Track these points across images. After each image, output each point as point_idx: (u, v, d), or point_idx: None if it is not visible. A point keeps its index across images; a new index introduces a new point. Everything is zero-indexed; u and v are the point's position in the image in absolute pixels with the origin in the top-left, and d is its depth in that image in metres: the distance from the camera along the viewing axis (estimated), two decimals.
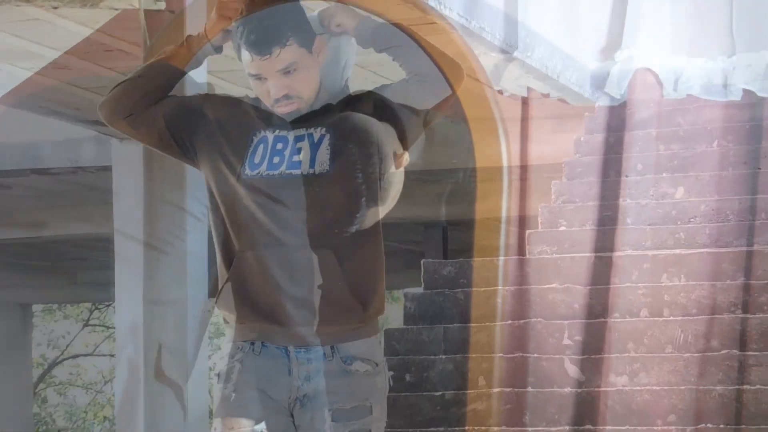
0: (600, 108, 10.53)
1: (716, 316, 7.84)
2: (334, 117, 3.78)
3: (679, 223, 8.81)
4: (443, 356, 8.09)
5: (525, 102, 10.80)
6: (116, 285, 12.18)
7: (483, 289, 8.44)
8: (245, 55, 3.75)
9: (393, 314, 26.36)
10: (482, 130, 9.84)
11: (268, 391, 3.74)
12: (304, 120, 3.78)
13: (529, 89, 10.92)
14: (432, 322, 8.40)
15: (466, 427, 7.54)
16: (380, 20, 3.82)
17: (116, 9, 6.60)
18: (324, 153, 3.73)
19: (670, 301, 8.03)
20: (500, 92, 10.33)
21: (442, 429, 7.57)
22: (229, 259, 3.80)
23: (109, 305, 23.79)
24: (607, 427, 7.38)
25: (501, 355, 7.86)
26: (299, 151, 3.75)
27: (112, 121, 3.91)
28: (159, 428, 7.05)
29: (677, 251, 8.40)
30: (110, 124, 3.94)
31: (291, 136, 3.77)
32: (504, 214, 9.38)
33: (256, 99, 3.85)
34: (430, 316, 8.46)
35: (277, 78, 3.74)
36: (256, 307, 3.74)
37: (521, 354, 7.85)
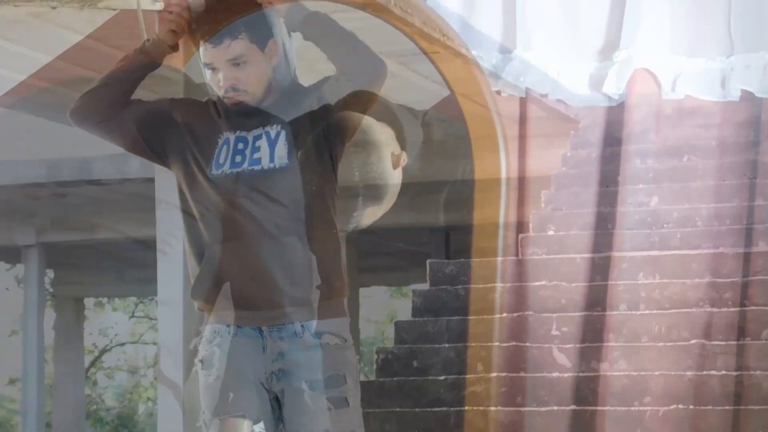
0: (584, 127, 10.49)
1: (686, 310, 7.82)
2: (288, 113, 3.73)
3: (653, 228, 8.79)
4: (446, 345, 8.08)
5: (523, 102, 10.52)
6: (158, 281, 12.16)
7: (481, 286, 8.42)
8: (205, 53, 3.73)
9: (402, 308, 26.32)
10: (483, 147, 9.82)
11: (246, 370, 3.67)
12: (261, 119, 3.73)
13: (527, 89, 10.75)
14: (436, 315, 8.39)
15: (466, 408, 7.52)
16: (312, 9, 3.73)
17: (114, 9, 6.30)
18: (282, 148, 3.68)
19: (645, 297, 8.01)
20: (498, 92, 10.12)
21: (445, 409, 7.56)
22: (199, 252, 3.73)
23: (152, 299, 23.78)
24: (590, 408, 7.37)
25: (497, 344, 7.85)
26: (258, 148, 3.70)
27: (84, 127, 3.83)
28: (196, 408, 7.03)
29: (652, 253, 8.39)
30: (84, 130, 3.86)
31: (250, 136, 3.72)
32: (501, 220, 9.34)
33: (220, 101, 3.79)
34: (434, 309, 8.45)
35: (226, 68, 3.70)
36: (227, 295, 3.68)
37: (515, 343, 7.83)
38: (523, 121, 10.27)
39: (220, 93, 3.74)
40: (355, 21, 7.99)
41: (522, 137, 10.29)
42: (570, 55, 10.99)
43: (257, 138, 3.72)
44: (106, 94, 3.77)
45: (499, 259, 8.67)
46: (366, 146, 3.87)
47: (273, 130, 3.72)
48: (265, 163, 3.69)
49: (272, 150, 3.69)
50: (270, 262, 3.65)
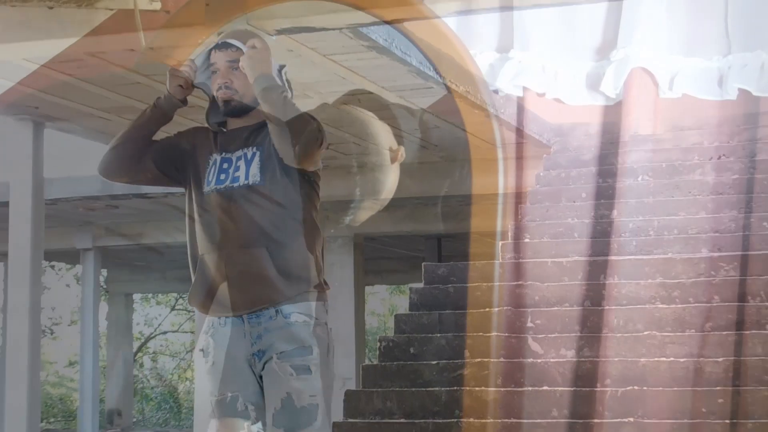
0: (555, 151, 10.44)
1: (640, 306, 7.81)
2: (260, 137, 3.71)
3: (613, 237, 8.79)
4: (438, 334, 8.07)
5: (520, 102, 10.14)
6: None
7: (468, 285, 8.41)
8: (213, 54, 3.76)
9: (401, 303, 26.27)
10: (483, 170, 9.73)
11: (234, 353, 3.66)
12: (243, 141, 3.73)
13: (524, 89, 10.43)
14: (430, 309, 8.38)
15: (455, 388, 7.50)
16: (272, 83, 3.67)
17: (111, 9, 6.01)
18: (255, 167, 3.67)
19: (606, 295, 8.00)
20: (496, 92, 9.79)
21: (437, 389, 7.53)
22: (194, 262, 3.75)
23: None
24: (558, 389, 7.35)
25: (481, 334, 7.83)
26: (239, 168, 3.70)
27: (113, 180, 3.89)
28: None
29: (611, 258, 8.38)
30: (113, 182, 3.91)
31: (234, 157, 3.73)
32: (498, 228, 9.21)
33: (212, 127, 3.81)
34: (428, 304, 8.44)
35: (224, 68, 3.72)
36: (215, 298, 3.67)
37: (496, 334, 7.83)
38: (503, 145, 10.22)
39: (216, 91, 3.75)
40: (365, 62, 8.00)
41: (504, 160, 10.24)
42: (567, 55, 10.59)
43: (239, 159, 3.72)
44: (127, 151, 3.79)
45: (483, 262, 8.66)
46: (365, 138, 3.83)
47: (250, 151, 3.71)
48: (242, 181, 3.68)
49: (248, 169, 3.68)
50: (248, 267, 3.62)
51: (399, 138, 10.36)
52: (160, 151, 3.84)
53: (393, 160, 3.78)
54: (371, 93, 8.70)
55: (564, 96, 10.65)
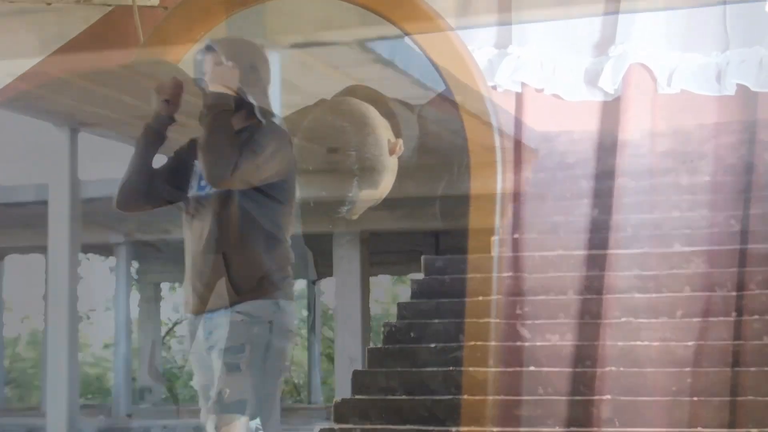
0: (542, 155, 10.35)
1: (618, 295, 7.81)
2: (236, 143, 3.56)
3: (593, 233, 8.79)
4: (436, 320, 8.08)
5: (519, 98, 9.85)
6: None
7: (463, 276, 8.42)
8: (200, 61, 3.61)
9: (403, 292, 26.24)
10: (482, 169, 9.66)
11: (199, 346, 3.60)
12: None
13: (523, 84, 10.17)
14: (429, 297, 8.39)
15: (450, 368, 7.51)
16: (212, 101, 3.49)
17: (109, 5, 5.69)
18: None
19: (588, 285, 8.01)
20: (494, 88, 9.53)
21: (434, 369, 7.55)
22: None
23: None
24: (544, 369, 7.35)
25: (474, 320, 7.84)
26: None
27: (134, 212, 3.80)
28: None
29: (592, 252, 8.38)
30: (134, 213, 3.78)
31: None
32: (497, 225, 9.13)
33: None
34: (427, 293, 8.45)
35: (212, 68, 3.57)
36: (190, 295, 3.60)
37: (488, 320, 7.83)
38: (496, 150, 10.13)
39: (206, 86, 3.59)
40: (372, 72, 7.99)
41: (496, 164, 10.16)
42: (566, 50, 10.35)
43: None
44: (135, 184, 3.66)
45: (477, 255, 8.66)
46: (363, 128, 3.69)
47: None
48: (207, 188, 3.59)
49: None
50: (207, 271, 3.53)
51: (406, 138, 10.37)
52: (168, 172, 3.72)
53: (391, 153, 3.63)
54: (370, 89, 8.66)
55: (562, 92, 10.34)
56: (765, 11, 9.51)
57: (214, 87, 3.52)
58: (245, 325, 3.48)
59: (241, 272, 3.50)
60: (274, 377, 3.51)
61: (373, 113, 3.64)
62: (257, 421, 3.48)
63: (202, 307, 3.58)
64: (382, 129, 3.64)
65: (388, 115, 3.67)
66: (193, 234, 3.62)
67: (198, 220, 3.59)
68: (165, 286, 24.75)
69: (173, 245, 16.30)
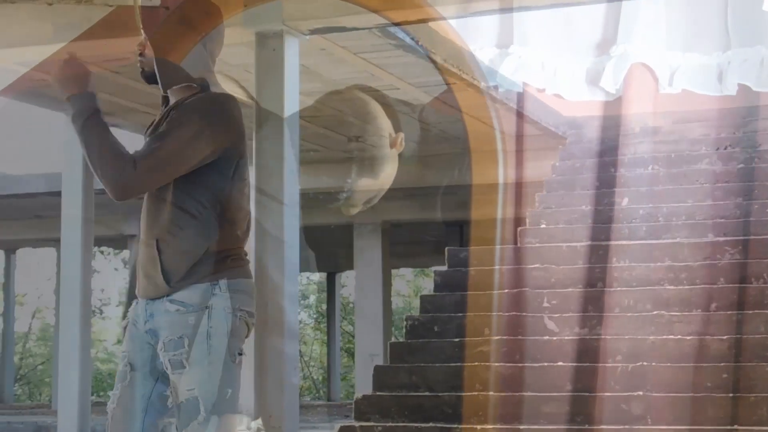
0: (569, 142, 10.39)
1: (649, 287, 7.79)
2: (162, 125, 3.42)
3: (624, 222, 8.77)
4: (460, 314, 8.08)
5: (520, 99, 9.78)
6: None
7: (488, 267, 8.42)
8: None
9: (425, 285, 26.27)
10: (486, 160, 9.70)
11: (139, 328, 3.45)
12: (153, 131, 3.45)
13: (524, 84, 10.22)
14: (452, 290, 8.39)
15: (475, 363, 7.51)
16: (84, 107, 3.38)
17: (111, 5, 5.84)
18: None
19: (618, 277, 7.99)
20: (495, 88, 9.59)
21: (459, 364, 7.55)
22: None
23: None
24: (574, 364, 7.34)
25: (500, 313, 7.84)
26: None
27: (132, 197, 3.48)
28: (265, 365, 7.02)
29: (623, 242, 8.36)
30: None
31: None
32: (499, 216, 9.16)
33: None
34: (451, 286, 8.45)
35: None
36: (138, 282, 3.50)
37: (515, 313, 7.83)
38: (521, 137, 10.15)
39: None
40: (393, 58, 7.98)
41: (521, 151, 10.18)
42: (567, 50, 10.36)
43: None
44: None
45: (502, 246, 8.66)
46: (365, 117, 3.64)
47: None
48: None
49: None
50: (145, 258, 3.43)
51: (424, 130, 10.38)
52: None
53: (392, 146, 3.58)
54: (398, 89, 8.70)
55: (564, 92, 10.44)
56: (764, 11, 9.56)
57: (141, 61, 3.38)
58: (180, 315, 3.36)
59: (174, 260, 3.38)
60: (226, 366, 3.34)
61: (375, 106, 3.58)
62: (258, 422, 3.33)
63: (143, 293, 3.46)
64: (383, 120, 3.58)
65: (389, 111, 3.60)
66: (140, 221, 3.52)
67: (143, 205, 3.49)
68: None
69: None
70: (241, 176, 3.45)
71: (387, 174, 3.55)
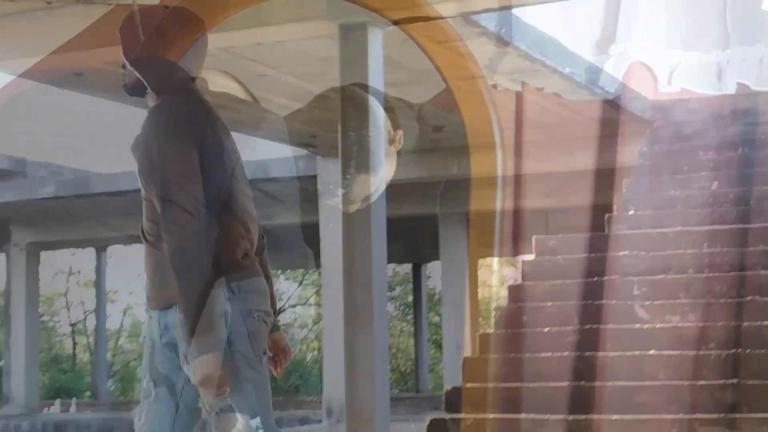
0: (657, 126, 10.29)
1: (741, 273, 7.67)
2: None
3: (714, 207, 8.66)
4: (549, 303, 8.02)
5: (519, 96, 9.73)
6: (322, 256, 12.24)
7: (575, 256, 8.36)
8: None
9: (511, 275, 26.09)
10: (572, 147, 9.61)
11: (156, 343, 3.37)
12: None
13: (523, 83, 10.19)
14: (541, 279, 8.34)
15: (566, 353, 7.46)
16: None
17: (110, 4, 5.78)
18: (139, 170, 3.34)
19: (709, 263, 7.88)
20: (494, 86, 9.38)
21: (549, 354, 7.51)
22: None
23: (316, 270, 24.00)
24: (665, 352, 7.26)
25: (589, 302, 7.78)
26: None
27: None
28: (355, 358, 7.05)
29: (713, 227, 8.25)
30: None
31: None
32: (498, 207, 8.99)
33: None
34: (539, 274, 8.40)
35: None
36: (146, 290, 3.44)
37: (605, 301, 7.76)
38: (608, 123, 10.07)
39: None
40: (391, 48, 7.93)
41: (607, 137, 10.09)
42: (566, 49, 10.29)
43: None
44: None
45: (590, 234, 8.60)
46: (365, 119, 3.60)
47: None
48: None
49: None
50: (153, 266, 3.35)
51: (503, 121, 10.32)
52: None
53: (391, 142, 3.55)
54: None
55: (563, 91, 10.35)
56: (764, 10, 9.48)
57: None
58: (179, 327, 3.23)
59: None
60: (253, 368, 3.25)
61: (375, 104, 3.54)
62: (257, 421, 3.28)
63: (153, 303, 3.39)
64: (383, 117, 3.55)
65: (388, 109, 3.56)
66: (142, 227, 3.43)
67: (143, 212, 3.41)
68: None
69: (276, 231, 16.49)
70: (235, 168, 3.43)
71: (386, 172, 3.52)
